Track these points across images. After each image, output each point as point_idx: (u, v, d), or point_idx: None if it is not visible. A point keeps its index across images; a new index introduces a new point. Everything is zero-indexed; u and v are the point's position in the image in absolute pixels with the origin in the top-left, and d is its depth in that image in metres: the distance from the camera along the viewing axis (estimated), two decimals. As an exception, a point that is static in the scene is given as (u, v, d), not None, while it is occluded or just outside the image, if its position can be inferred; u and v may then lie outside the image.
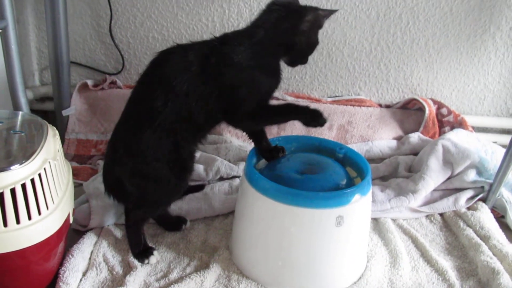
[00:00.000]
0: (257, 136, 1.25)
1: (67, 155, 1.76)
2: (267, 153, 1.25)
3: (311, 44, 1.20)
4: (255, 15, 1.18)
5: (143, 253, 1.23)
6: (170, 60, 1.14)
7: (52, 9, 1.59)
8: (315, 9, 1.16)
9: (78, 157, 1.76)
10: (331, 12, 1.19)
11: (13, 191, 0.95)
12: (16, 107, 1.53)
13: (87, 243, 1.26)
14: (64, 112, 1.77)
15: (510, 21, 1.74)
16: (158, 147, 1.13)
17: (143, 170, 1.16)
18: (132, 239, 1.25)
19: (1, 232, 0.95)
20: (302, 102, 1.82)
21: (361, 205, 1.13)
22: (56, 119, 1.80)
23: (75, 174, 1.58)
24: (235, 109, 1.14)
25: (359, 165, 1.24)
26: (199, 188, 1.51)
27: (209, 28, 1.79)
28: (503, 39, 1.77)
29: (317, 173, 1.18)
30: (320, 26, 1.18)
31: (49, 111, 1.89)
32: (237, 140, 1.76)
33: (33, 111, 1.82)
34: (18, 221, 0.97)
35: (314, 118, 1.18)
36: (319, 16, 1.16)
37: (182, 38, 1.81)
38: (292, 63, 1.22)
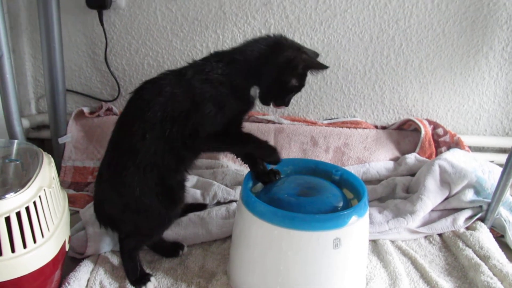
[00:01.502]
0: (252, 160, 1.25)
1: (64, 183, 1.75)
2: (262, 176, 1.25)
3: (284, 83, 1.19)
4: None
5: (140, 280, 1.22)
6: (143, 93, 1.16)
7: (48, 39, 1.60)
8: (300, 51, 1.17)
9: (75, 184, 1.76)
10: (317, 64, 1.18)
11: (8, 220, 0.94)
12: (12, 136, 1.53)
13: (84, 270, 1.25)
14: (61, 140, 1.77)
15: (502, 41, 1.76)
16: (144, 183, 1.13)
17: (132, 206, 1.16)
18: (128, 266, 1.24)
19: (-4, 261, 0.95)
20: (296, 123, 1.83)
21: (359, 226, 1.12)
22: (52, 147, 1.80)
23: (72, 201, 1.58)
24: (200, 127, 1.13)
25: (355, 186, 1.24)
26: (201, 207, 1.51)
27: (203, 53, 1.79)
28: (496, 58, 1.79)
29: (313, 195, 1.17)
30: (296, 68, 1.16)
31: (45, 139, 1.89)
32: (234, 165, 1.76)
33: (29, 139, 1.83)
34: (13, 250, 0.96)
35: (270, 154, 1.21)
36: (299, 59, 1.15)
37: (177, 64, 1.82)
38: (262, 98, 1.21)
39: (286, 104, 1.24)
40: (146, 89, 1.16)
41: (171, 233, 1.39)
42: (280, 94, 1.21)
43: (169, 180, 1.16)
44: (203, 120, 1.12)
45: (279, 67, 1.15)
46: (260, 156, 1.22)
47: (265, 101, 1.22)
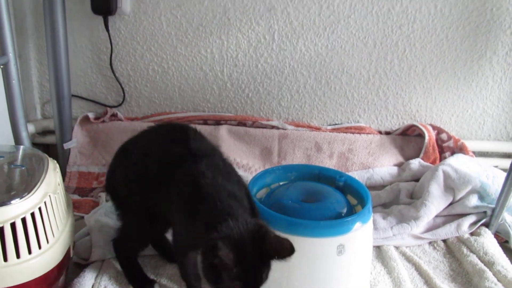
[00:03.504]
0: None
1: (68, 188, 1.76)
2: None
3: None
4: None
5: (143, 286, 1.22)
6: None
7: (53, 44, 1.61)
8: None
9: (79, 189, 1.77)
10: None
11: (13, 225, 0.95)
12: (18, 141, 1.54)
13: (88, 276, 1.25)
14: (66, 145, 1.78)
15: (506, 46, 1.76)
16: None
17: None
18: (129, 275, 1.24)
19: (1, 267, 0.95)
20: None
21: (363, 233, 1.12)
22: (57, 152, 1.81)
23: (77, 207, 1.58)
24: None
25: (359, 192, 1.24)
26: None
27: (208, 59, 1.81)
28: (500, 63, 1.79)
29: (317, 201, 1.18)
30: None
31: (50, 144, 1.90)
32: (238, 170, 1.75)
33: (35, 144, 1.84)
34: (18, 256, 0.96)
35: None
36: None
37: (181, 69, 1.83)
38: None
39: None
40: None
41: (175, 238, 1.40)
42: None
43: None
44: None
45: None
46: None
47: None
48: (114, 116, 1.86)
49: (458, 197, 1.56)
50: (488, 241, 1.44)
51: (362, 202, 1.21)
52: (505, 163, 1.83)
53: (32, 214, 0.98)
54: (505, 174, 1.47)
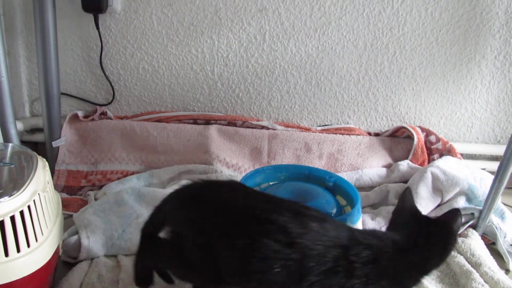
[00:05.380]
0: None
1: (57, 186, 1.75)
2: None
3: None
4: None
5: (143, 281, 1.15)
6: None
7: (43, 41, 1.60)
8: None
9: (68, 188, 1.76)
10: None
11: (2, 224, 0.94)
12: (6, 139, 1.53)
13: (77, 275, 1.24)
14: (55, 143, 1.77)
15: (494, 50, 1.77)
16: None
17: None
18: (138, 267, 1.10)
19: (-10, 265, 0.94)
20: (290, 130, 1.83)
21: (352, 233, 1.12)
22: (46, 150, 1.80)
23: (65, 205, 1.57)
24: None
25: (348, 193, 1.25)
26: None
27: (198, 59, 1.80)
28: (489, 67, 1.80)
29: (307, 201, 1.18)
30: None
31: (39, 142, 1.89)
32: (228, 170, 1.76)
33: (23, 142, 1.83)
34: (6, 254, 0.95)
35: None
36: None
37: (172, 69, 1.83)
38: None
39: None
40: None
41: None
42: None
43: None
44: None
45: None
46: None
47: None
48: (103, 114, 1.85)
49: (446, 199, 1.57)
50: (475, 243, 1.45)
51: (352, 202, 1.21)
52: (493, 165, 1.84)
53: (21, 213, 0.97)
54: (492, 176, 1.48)
